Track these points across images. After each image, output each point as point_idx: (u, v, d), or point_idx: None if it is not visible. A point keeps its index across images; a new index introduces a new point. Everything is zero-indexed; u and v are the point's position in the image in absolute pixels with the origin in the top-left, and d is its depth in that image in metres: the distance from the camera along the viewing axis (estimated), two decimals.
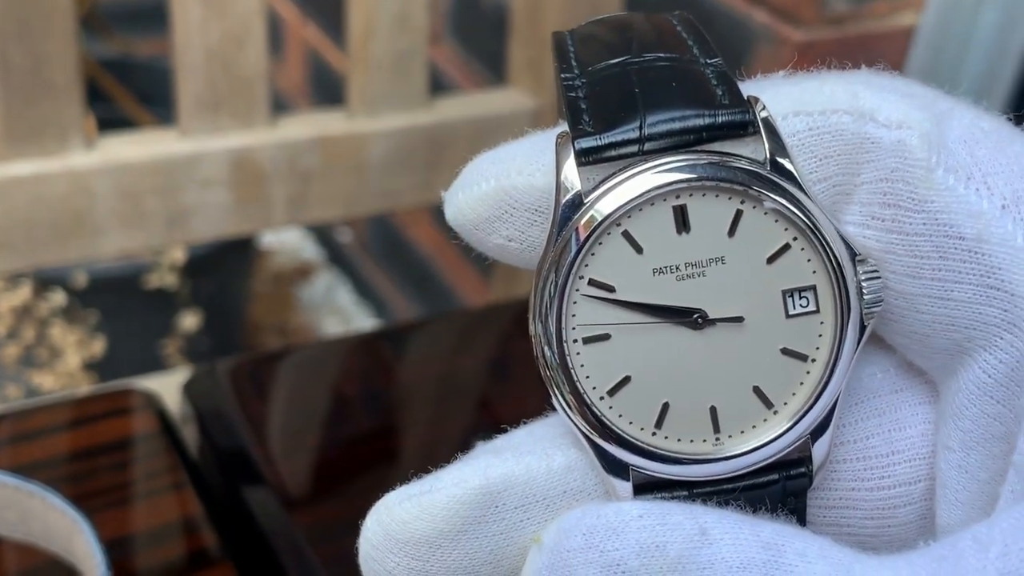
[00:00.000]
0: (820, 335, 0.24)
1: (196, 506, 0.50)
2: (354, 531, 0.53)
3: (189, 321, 1.27)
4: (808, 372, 0.24)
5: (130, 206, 0.69)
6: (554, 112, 0.79)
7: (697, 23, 0.26)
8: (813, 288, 0.23)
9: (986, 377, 0.23)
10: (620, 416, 0.23)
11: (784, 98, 0.24)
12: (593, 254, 0.23)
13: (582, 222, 0.23)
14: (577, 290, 0.23)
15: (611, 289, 0.23)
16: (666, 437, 0.24)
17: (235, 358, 0.63)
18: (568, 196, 0.23)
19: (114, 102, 1.29)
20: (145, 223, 0.70)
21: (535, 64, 0.80)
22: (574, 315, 0.23)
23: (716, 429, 0.24)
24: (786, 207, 0.23)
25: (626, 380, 0.23)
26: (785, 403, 0.24)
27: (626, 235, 0.23)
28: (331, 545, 0.50)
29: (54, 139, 0.66)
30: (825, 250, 0.23)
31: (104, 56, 1.40)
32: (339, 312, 1.59)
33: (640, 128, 0.23)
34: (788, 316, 0.23)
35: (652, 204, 0.23)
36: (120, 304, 1.25)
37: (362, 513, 0.51)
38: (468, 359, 0.66)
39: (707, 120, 0.23)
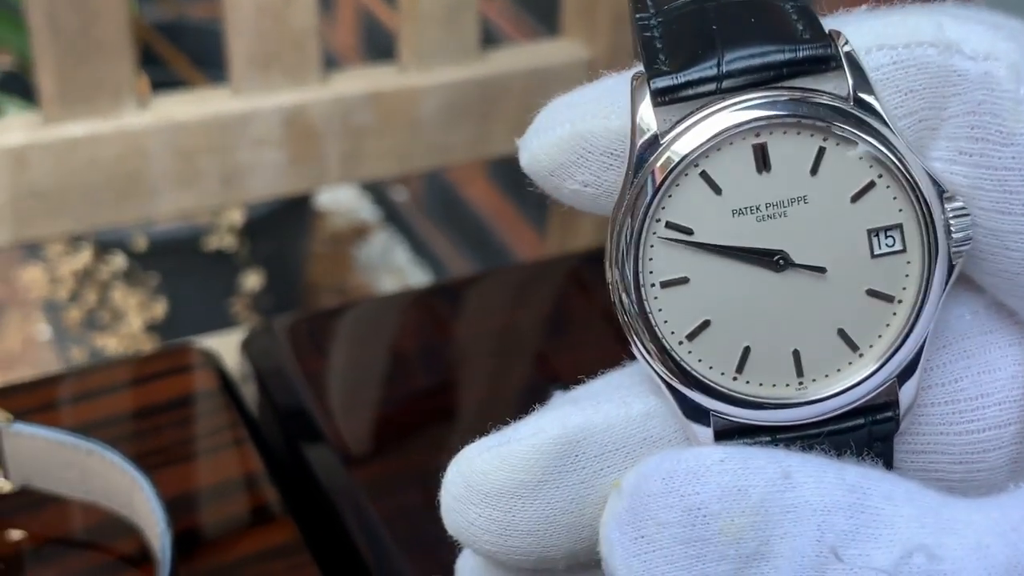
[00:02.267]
0: (907, 275, 0.23)
1: (256, 462, 0.50)
2: (414, 487, 0.52)
3: (252, 280, 1.28)
4: (895, 313, 0.23)
5: (184, 166, 0.69)
6: (607, 62, 0.78)
7: None
8: (900, 227, 0.23)
9: None
10: (700, 361, 0.23)
11: (867, 32, 0.24)
12: (670, 196, 0.23)
13: (659, 163, 0.22)
14: (654, 233, 0.23)
15: (689, 231, 0.23)
16: (747, 382, 0.23)
17: (292, 315, 0.63)
18: (644, 137, 0.23)
19: (168, 65, 1.30)
20: (200, 183, 0.70)
21: (588, 13, 0.79)
22: (651, 259, 0.23)
23: (799, 373, 0.23)
24: (870, 143, 0.22)
25: (706, 324, 0.23)
26: (871, 345, 0.23)
27: (704, 176, 0.22)
28: (391, 501, 0.50)
29: (107, 100, 0.66)
30: (912, 187, 0.23)
31: (158, 20, 1.40)
32: (396, 271, 1.59)
33: (718, 65, 0.22)
34: (874, 256, 0.23)
35: (731, 143, 0.22)
36: (180, 266, 1.26)
37: (422, 469, 0.51)
38: (524, 314, 0.65)
39: (787, 55, 0.22)
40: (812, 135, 0.22)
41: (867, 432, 0.23)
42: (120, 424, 0.51)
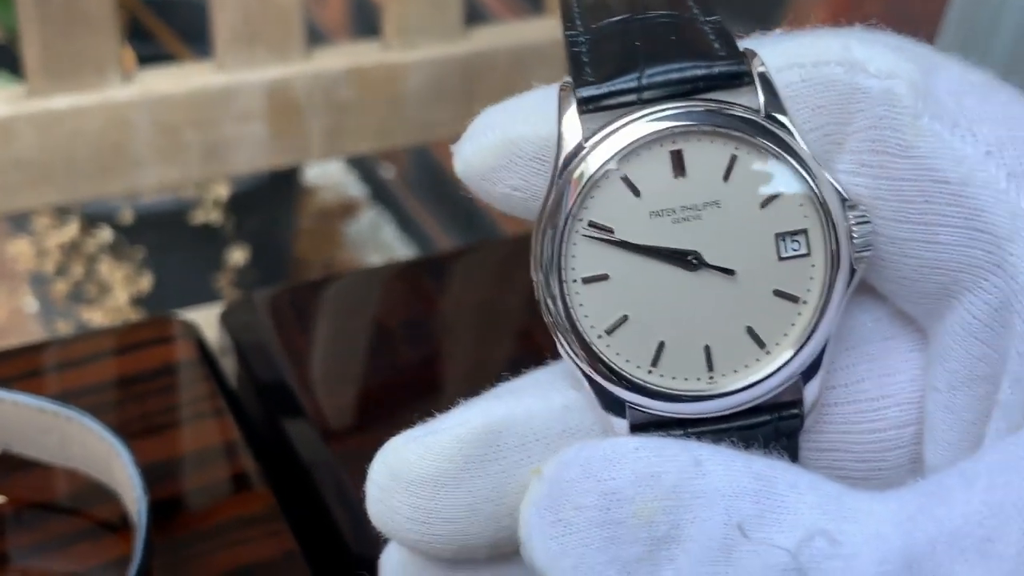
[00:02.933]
0: (811, 278, 0.24)
1: (234, 432, 0.50)
2: None
3: (237, 255, 1.28)
4: (800, 313, 0.24)
5: (168, 139, 0.69)
6: None
7: None
8: (805, 232, 0.24)
9: (971, 318, 0.23)
10: (617, 354, 0.24)
11: (780, 52, 0.25)
12: (593, 197, 0.24)
13: (582, 166, 0.24)
14: (577, 231, 0.24)
15: (610, 231, 0.24)
16: (661, 375, 0.24)
17: (274, 287, 0.63)
18: (569, 142, 0.24)
19: (156, 39, 1.30)
20: (183, 156, 0.70)
21: None
22: (574, 256, 0.24)
23: (710, 368, 0.24)
24: (779, 153, 0.24)
25: (623, 319, 0.24)
26: (777, 343, 0.24)
27: (624, 179, 0.24)
28: (367, 473, 0.51)
29: (91, 73, 0.67)
30: (816, 195, 0.24)
31: None
32: (383, 248, 1.59)
33: (639, 78, 0.24)
34: (781, 259, 0.24)
35: (649, 149, 0.24)
36: (166, 240, 1.26)
37: None
38: (509, 288, 0.66)
39: (703, 71, 0.24)
40: (725, 143, 0.24)
41: (773, 428, 0.24)
42: (100, 392, 0.52)
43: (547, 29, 0.80)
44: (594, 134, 0.24)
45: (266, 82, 0.71)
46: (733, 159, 0.24)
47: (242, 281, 1.29)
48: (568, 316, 0.24)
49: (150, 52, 1.15)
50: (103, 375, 0.53)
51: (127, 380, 0.53)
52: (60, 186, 0.68)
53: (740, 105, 0.24)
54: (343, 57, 0.74)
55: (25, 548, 0.44)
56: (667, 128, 0.23)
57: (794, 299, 0.24)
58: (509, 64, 0.77)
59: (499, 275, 0.68)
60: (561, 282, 0.24)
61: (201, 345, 0.56)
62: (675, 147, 0.24)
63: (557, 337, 0.24)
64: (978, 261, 0.23)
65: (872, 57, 0.24)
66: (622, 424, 0.24)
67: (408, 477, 0.24)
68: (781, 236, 0.24)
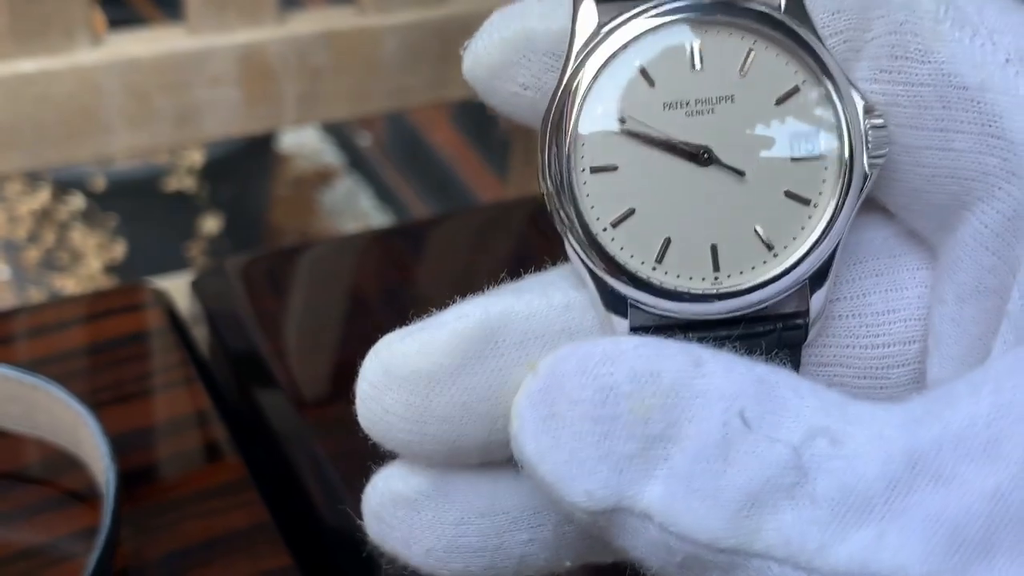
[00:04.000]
0: (824, 180, 0.24)
1: (205, 401, 0.50)
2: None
3: (211, 224, 1.27)
4: (810, 217, 0.24)
5: (138, 104, 0.68)
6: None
7: None
8: (819, 132, 0.24)
9: (983, 228, 0.23)
10: (622, 248, 0.24)
11: None
12: (606, 84, 0.23)
13: (599, 51, 0.23)
14: (588, 118, 0.23)
15: (622, 120, 0.23)
16: (666, 272, 0.24)
17: (246, 255, 0.62)
18: (586, 29, 0.24)
19: (128, 3, 1.28)
20: (154, 121, 0.69)
21: None
22: (584, 144, 0.23)
23: (716, 267, 0.24)
24: (797, 50, 0.23)
25: (630, 212, 0.23)
26: (785, 247, 0.24)
27: (639, 68, 0.23)
28: (340, 441, 0.50)
29: (60, 36, 0.65)
30: (834, 95, 0.23)
31: None
32: (360, 216, 1.58)
33: None
34: (793, 159, 0.24)
35: (667, 39, 0.23)
36: (139, 207, 1.25)
37: None
38: (484, 256, 0.65)
39: None
40: (743, 37, 0.23)
41: (777, 337, 0.24)
42: (70, 360, 0.51)
43: None
44: (612, 20, 0.23)
45: (238, 46, 0.70)
46: (749, 53, 0.23)
47: (215, 249, 1.28)
48: (575, 206, 0.23)
49: (122, 16, 1.13)
50: (73, 342, 0.52)
51: (97, 348, 0.52)
52: (28, 151, 0.67)
53: (763, 2, 0.23)
54: (317, 21, 0.72)
55: None
56: (684, 18, 0.23)
57: (805, 201, 0.24)
58: None
59: (475, 243, 0.67)
60: (569, 169, 0.23)
61: (172, 313, 0.55)
62: (693, 39, 0.23)
63: (560, 223, 0.24)
64: (993, 168, 0.23)
65: None
66: (623, 324, 0.24)
67: (403, 373, 0.23)
68: (795, 135, 0.24)
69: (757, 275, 0.24)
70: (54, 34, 0.65)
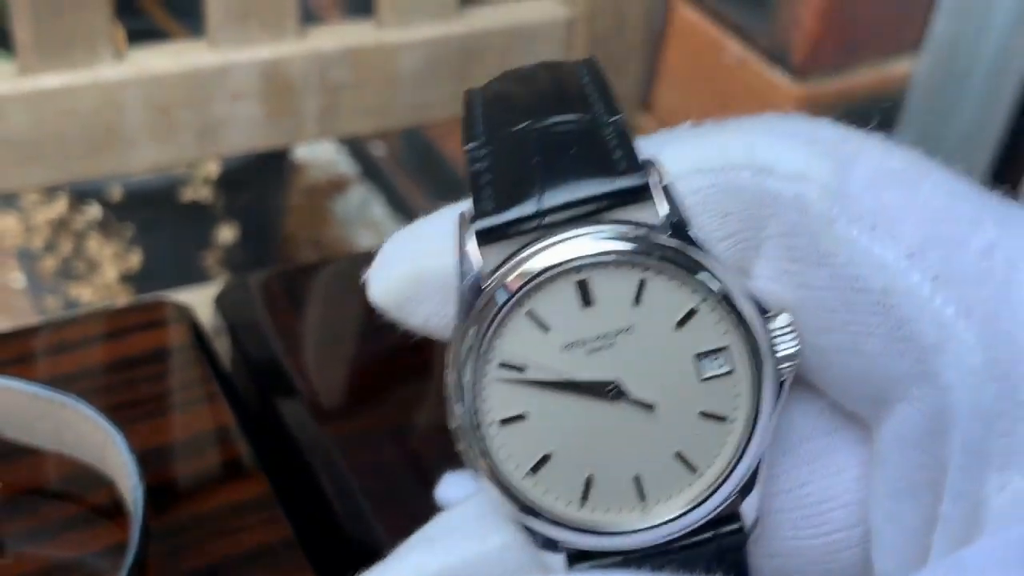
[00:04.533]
0: (738, 395, 0.23)
1: (228, 417, 0.50)
2: (386, 442, 0.53)
3: (226, 234, 1.28)
4: (729, 433, 0.23)
5: (160, 119, 0.69)
6: (587, 22, 0.78)
7: (602, 71, 0.25)
8: (726, 349, 0.23)
9: (906, 430, 0.22)
10: (545, 493, 0.23)
11: (685, 156, 0.24)
12: (500, 336, 0.23)
13: (485, 304, 0.23)
14: (488, 374, 0.23)
15: (522, 369, 0.23)
16: (593, 510, 0.23)
17: (267, 270, 0.63)
18: (470, 277, 0.23)
19: (147, 15, 1.28)
20: (176, 136, 0.70)
21: None
22: (487, 399, 0.23)
23: (642, 497, 0.23)
24: (688, 271, 0.23)
25: (546, 458, 0.23)
26: (709, 466, 0.24)
27: (530, 314, 0.23)
28: (363, 456, 0.51)
29: (83, 51, 0.66)
30: (733, 310, 0.23)
31: None
32: (373, 225, 1.59)
33: (539, 202, 0.23)
34: (703, 380, 0.23)
35: (554, 281, 0.23)
36: (156, 217, 1.25)
37: (395, 424, 0.51)
38: None
39: (604, 188, 0.23)
40: (632, 267, 0.23)
41: (716, 547, 0.24)
42: (94, 377, 0.51)
43: (542, 9, 0.79)
44: (497, 268, 0.23)
45: (259, 61, 0.70)
46: (642, 283, 0.23)
47: (231, 259, 1.29)
48: (489, 459, 0.23)
49: (141, 27, 1.14)
50: (96, 359, 0.53)
51: (120, 364, 0.52)
52: (51, 166, 0.67)
53: (644, 225, 0.23)
54: (337, 37, 0.73)
55: (19, 535, 0.44)
56: (570, 259, 0.23)
57: (722, 419, 0.23)
58: (504, 44, 0.77)
59: None
60: (478, 425, 0.23)
61: (195, 328, 0.55)
62: (580, 277, 0.23)
63: (481, 479, 0.23)
64: (906, 373, 0.22)
65: (779, 158, 0.23)
66: (558, 559, 0.24)
67: None
68: (701, 356, 0.23)
69: (684, 500, 0.23)
70: (77, 50, 0.66)
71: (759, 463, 0.24)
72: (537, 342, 0.23)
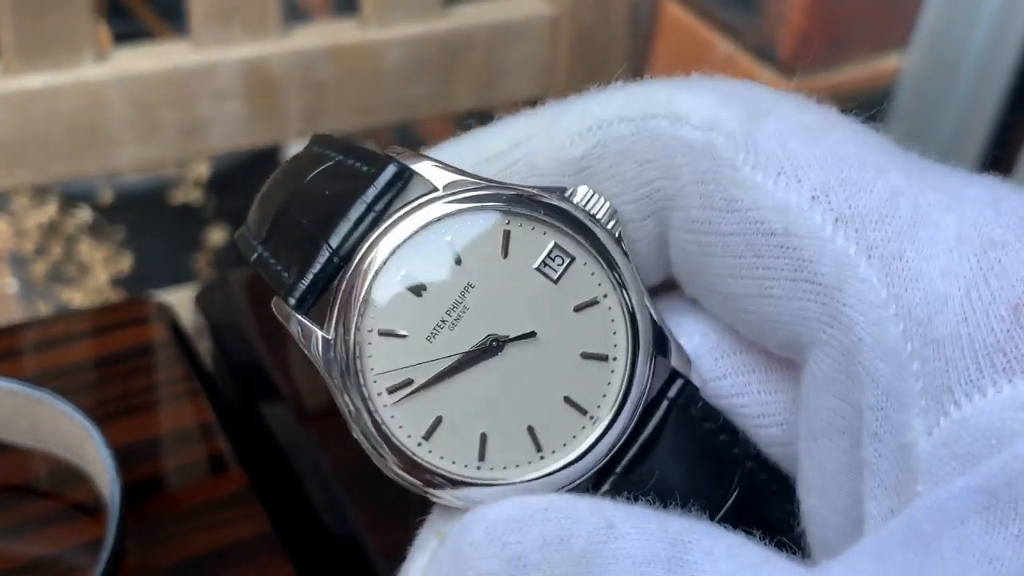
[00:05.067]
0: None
1: (208, 413, 0.50)
2: None
3: (216, 236, 1.28)
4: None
5: (144, 118, 0.69)
6: (571, 19, 0.78)
7: (325, 135, 0.27)
8: (557, 247, 0.24)
9: (818, 372, 0.23)
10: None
11: (611, 105, 0.24)
12: (370, 356, 0.23)
13: (349, 337, 0.23)
14: (378, 395, 0.23)
15: (409, 382, 0.23)
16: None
17: (249, 268, 0.63)
18: (317, 343, 0.24)
19: (134, 16, 1.29)
20: (160, 135, 0.70)
21: None
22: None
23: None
24: (483, 204, 0.24)
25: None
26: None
27: (380, 333, 0.23)
28: (343, 453, 0.51)
29: (66, 51, 0.66)
30: (546, 217, 0.24)
31: None
32: None
33: (330, 251, 0.24)
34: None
35: (382, 287, 0.24)
36: (146, 220, 1.25)
37: None
38: None
39: (371, 201, 0.24)
40: (440, 234, 0.24)
41: (679, 407, 0.24)
42: (76, 374, 0.51)
43: (525, 6, 0.79)
44: (326, 321, 0.23)
45: (243, 60, 0.70)
46: (450, 242, 0.24)
47: (222, 261, 1.29)
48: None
49: (128, 29, 1.14)
50: (78, 356, 0.53)
51: (102, 361, 0.52)
52: (35, 166, 0.67)
53: (419, 197, 0.24)
54: (321, 35, 0.73)
55: None
56: (386, 258, 0.23)
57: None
58: (488, 41, 0.77)
59: None
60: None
61: (176, 327, 0.55)
62: (401, 272, 0.23)
63: (380, 462, 0.24)
64: (813, 314, 0.22)
65: (695, 108, 0.23)
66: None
67: None
68: (541, 268, 0.24)
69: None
70: (60, 50, 0.66)
71: (662, 331, 0.24)
72: (401, 348, 0.23)
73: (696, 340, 0.26)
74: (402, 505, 0.51)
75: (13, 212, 1.25)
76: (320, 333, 0.23)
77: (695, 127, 0.23)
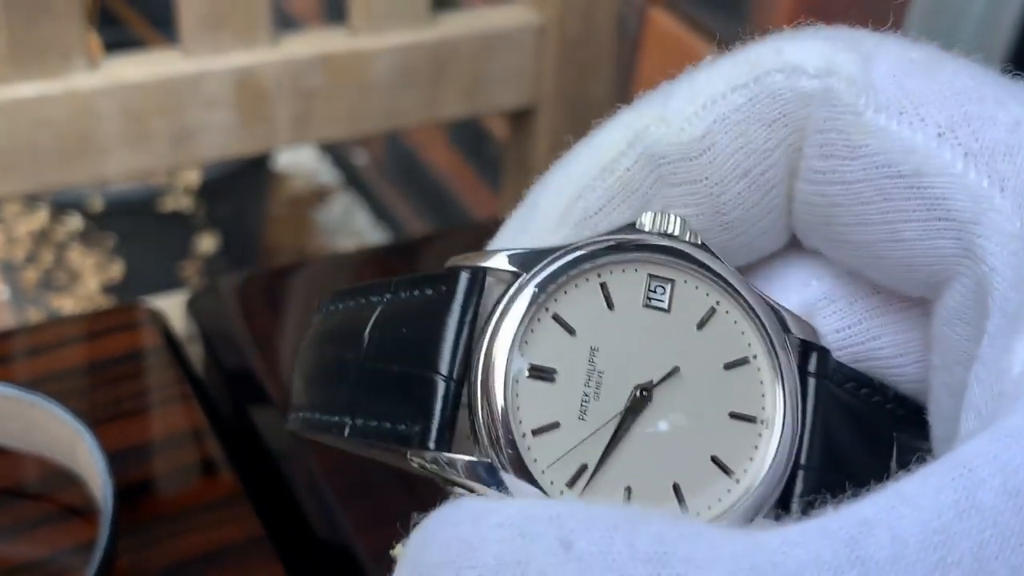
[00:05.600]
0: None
1: (200, 417, 0.50)
2: None
3: (207, 243, 1.28)
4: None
5: (135, 126, 0.69)
6: (558, 29, 0.79)
7: (335, 292, 0.26)
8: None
9: (952, 303, 0.22)
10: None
11: (718, 78, 0.24)
12: (535, 460, 0.22)
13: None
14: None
15: (583, 468, 0.23)
16: None
17: (240, 273, 0.63)
18: (462, 468, 0.22)
19: (126, 25, 1.29)
20: (151, 143, 0.70)
21: None
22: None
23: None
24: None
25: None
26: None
27: (536, 431, 0.22)
28: (333, 454, 0.51)
29: (57, 60, 0.67)
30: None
31: None
32: (356, 234, 1.59)
33: (445, 378, 0.23)
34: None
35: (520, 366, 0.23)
36: (136, 227, 1.26)
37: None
38: None
39: (457, 315, 0.23)
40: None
41: (825, 378, 0.24)
42: (68, 378, 0.52)
43: (513, 16, 0.80)
44: (473, 445, 0.23)
45: (233, 69, 0.71)
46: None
47: (211, 269, 1.29)
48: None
49: (120, 38, 1.15)
50: (71, 361, 0.53)
51: (94, 366, 0.53)
52: (26, 174, 0.68)
53: (509, 294, 0.23)
54: (310, 44, 0.74)
55: None
56: (513, 335, 0.23)
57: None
58: (476, 50, 0.78)
59: None
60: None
61: (167, 332, 0.56)
62: (537, 376, 0.23)
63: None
64: (948, 251, 0.22)
65: (808, 56, 0.23)
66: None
67: None
68: (648, 303, 0.23)
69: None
70: (51, 58, 0.67)
71: (779, 310, 0.24)
72: (562, 440, 0.22)
73: (813, 285, 0.25)
74: (390, 507, 0.51)
75: (4, 220, 1.26)
76: (466, 459, 0.22)
77: (812, 75, 0.23)
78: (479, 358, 0.23)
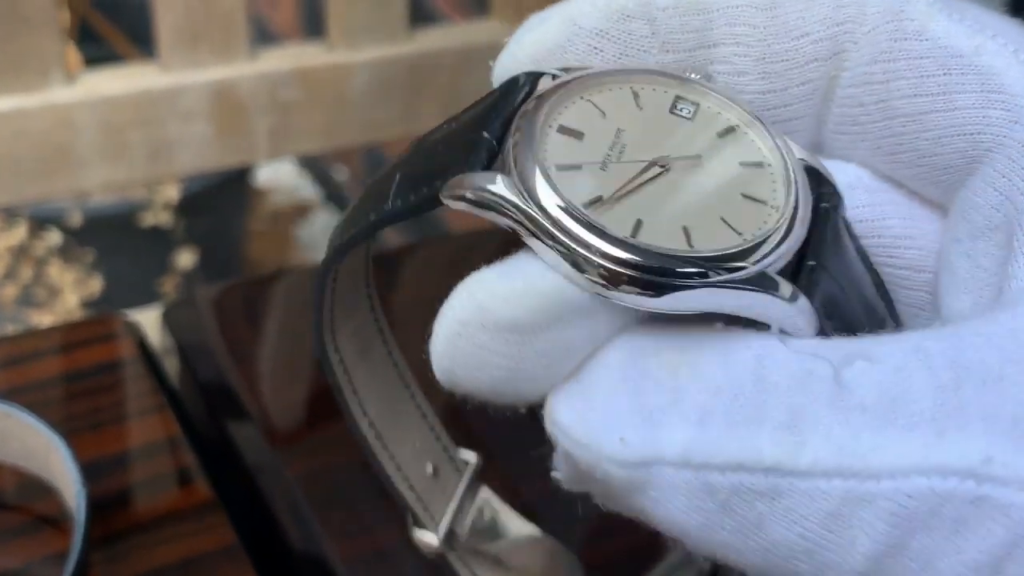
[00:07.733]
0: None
1: (174, 428, 0.50)
2: (331, 450, 0.53)
3: (185, 259, 1.28)
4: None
5: (112, 140, 0.70)
6: None
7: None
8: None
9: (993, 172, 0.25)
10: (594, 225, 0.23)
11: None
12: (558, 183, 0.23)
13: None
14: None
15: (599, 198, 0.23)
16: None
17: (217, 285, 0.64)
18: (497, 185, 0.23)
19: (106, 41, 1.29)
20: (128, 157, 0.71)
21: None
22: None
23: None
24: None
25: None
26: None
27: (560, 167, 0.23)
28: (308, 463, 0.51)
29: (34, 74, 0.67)
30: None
31: None
32: None
33: (487, 139, 0.24)
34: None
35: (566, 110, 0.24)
36: (116, 242, 1.26)
37: (340, 433, 0.51)
38: (458, 283, 0.66)
39: (505, 97, 0.25)
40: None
41: (836, 212, 0.25)
42: (43, 389, 0.52)
43: (491, 30, 0.81)
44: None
45: (210, 82, 0.71)
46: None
47: (191, 284, 1.29)
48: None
49: (99, 54, 1.15)
50: (46, 372, 0.53)
51: (70, 377, 0.53)
52: (4, 188, 0.68)
53: (550, 86, 0.25)
54: (288, 58, 0.74)
55: None
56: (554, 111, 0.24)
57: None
58: (454, 64, 0.78)
59: (449, 271, 0.68)
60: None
61: (143, 344, 0.56)
62: (566, 132, 0.24)
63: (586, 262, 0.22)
64: (997, 119, 0.25)
65: None
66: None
67: (500, 315, 0.22)
68: (673, 111, 0.25)
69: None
70: (28, 72, 0.67)
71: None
72: (583, 177, 0.23)
73: (851, 169, 0.27)
74: (365, 517, 0.51)
75: None
76: (501, 176, 0.23)
77: None
78: (515, 120, 0.24)
